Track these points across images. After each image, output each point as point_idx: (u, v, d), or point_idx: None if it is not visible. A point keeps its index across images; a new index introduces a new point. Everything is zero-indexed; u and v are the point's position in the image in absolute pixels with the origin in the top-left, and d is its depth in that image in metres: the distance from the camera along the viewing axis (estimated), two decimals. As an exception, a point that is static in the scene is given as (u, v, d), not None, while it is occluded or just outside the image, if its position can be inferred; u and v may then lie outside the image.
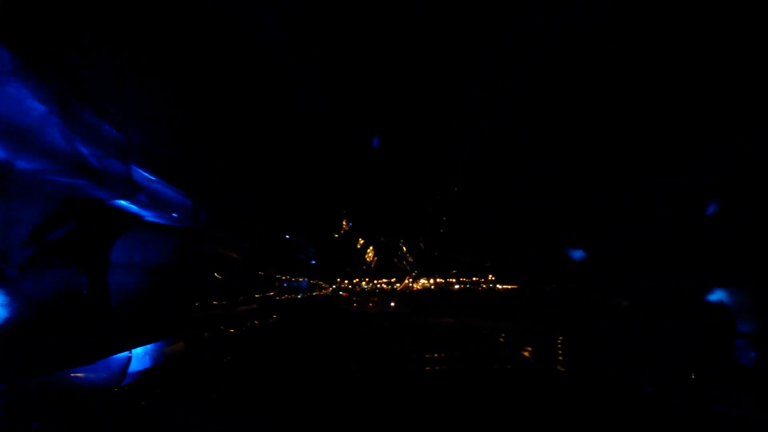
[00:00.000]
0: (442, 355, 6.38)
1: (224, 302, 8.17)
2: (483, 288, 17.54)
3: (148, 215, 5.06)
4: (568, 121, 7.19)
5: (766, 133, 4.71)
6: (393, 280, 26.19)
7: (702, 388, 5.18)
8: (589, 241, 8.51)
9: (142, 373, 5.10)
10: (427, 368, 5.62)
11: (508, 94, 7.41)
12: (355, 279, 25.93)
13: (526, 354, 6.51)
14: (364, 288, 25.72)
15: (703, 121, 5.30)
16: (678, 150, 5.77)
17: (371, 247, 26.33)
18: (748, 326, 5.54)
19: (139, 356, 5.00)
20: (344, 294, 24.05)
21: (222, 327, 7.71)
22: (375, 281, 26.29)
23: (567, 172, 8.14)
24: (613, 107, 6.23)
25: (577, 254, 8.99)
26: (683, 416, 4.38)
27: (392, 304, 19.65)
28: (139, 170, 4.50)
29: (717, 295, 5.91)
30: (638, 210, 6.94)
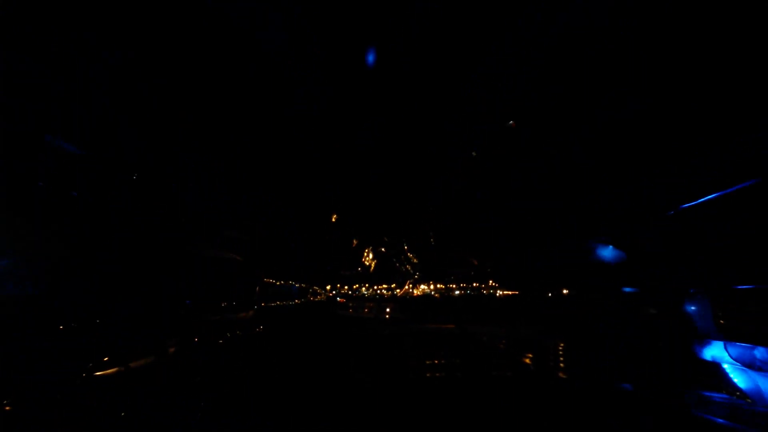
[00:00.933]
0: (442, 361, 6.35)
1: (221, 307, 8.05)
2: (484, 294, 17.40)
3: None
4: (567, 121, 7.19)
5: (766, 132, 4.71)
6: (393, 285, 25.96)
7: (702, 388, 5.17)
8: (589, 240, 8.51)
9: (142, 373, 5.09)
10: (428, 375, 5.58)
11: (508, 94, 7.41)
12: (354, 285, 25.74)
13: (527, 361, 6.48)
14: (364, 294, 25.50)
15: (702, 121, 5.30)
16: (678, 150, 5.77)
17: (370, 249, 26.15)
18: (748, 326, 5.54)
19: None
20: (341, 300, 23.88)
21: (219, 335, 7.59)
22: (375, 287, 26.03)
23: (567, 172, 8.14)
24: (612, 107, 6.23)
25: (578, 254, 8.99)
26: (683, 416, 4.38)
27: (387, 310, 19.36)
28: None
29: (716, 295, 5.91)
30: (638, 210, 6.94)
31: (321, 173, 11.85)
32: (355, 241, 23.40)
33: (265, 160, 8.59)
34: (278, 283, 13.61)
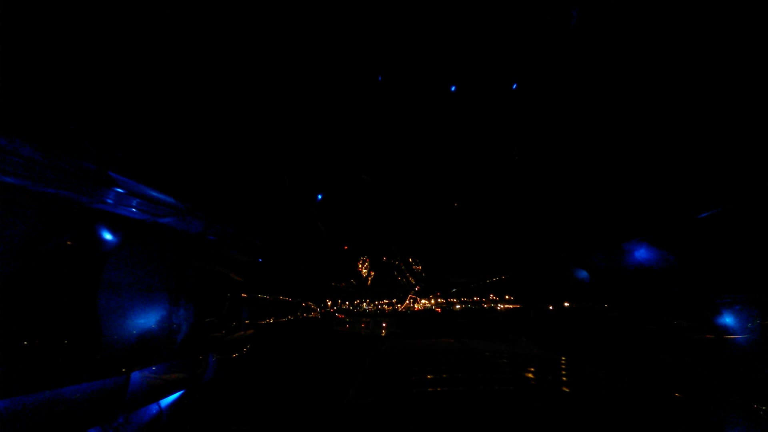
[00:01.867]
0: (444, 376, 6.29)
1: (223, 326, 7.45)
2: (485, 308, 17.35)
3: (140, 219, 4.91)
4: (568, 122, 7.19)
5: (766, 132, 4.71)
6: (394, 300, 25.71)
7: (702, 388, 5.16)
8: (590, 242, 8.50)
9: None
10: (429, 389, 5.51)
11: (508, 93, 7.42)
12: (356, 300, 25.37)
13: (530, 375, 6.44)
14: (365, 309, 25.19)
15: (703, 121, 5.30)
16: (678, 150, 5.77)
17: (367, 259, 25.81)
18: (748, 327, 5.53)
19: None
20: (340, 315, 23.80)
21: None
22: (377, 302, 25.61)
23: (567, 174, 8.13)
24: (613, 107, 6.23)
25: (577, 254, 8.98)
26: (683, 416, 4.37)
27: (384, 325, 19.32)
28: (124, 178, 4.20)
29: (716, 296, 5.90)
30: (638, 212, 6.93)
31: (321, 173, 11.84)
32: (345, 247, 22.90)
33: (264, 159, 8.56)
34: (269, 298, 12.36)
